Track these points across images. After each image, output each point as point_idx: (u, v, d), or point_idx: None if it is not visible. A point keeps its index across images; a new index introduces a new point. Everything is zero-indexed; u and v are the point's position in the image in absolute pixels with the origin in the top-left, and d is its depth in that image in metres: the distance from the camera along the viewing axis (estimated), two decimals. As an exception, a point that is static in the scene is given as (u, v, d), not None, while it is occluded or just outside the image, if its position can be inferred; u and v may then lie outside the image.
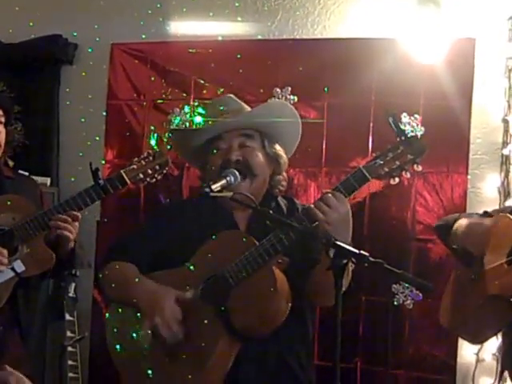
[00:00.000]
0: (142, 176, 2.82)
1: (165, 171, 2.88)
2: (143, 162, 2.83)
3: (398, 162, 2.38)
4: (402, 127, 2.41)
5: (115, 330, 2.63)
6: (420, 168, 2.42)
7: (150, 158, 2.84)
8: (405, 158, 2.37)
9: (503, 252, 2.76)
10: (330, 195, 2.37)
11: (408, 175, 2.42)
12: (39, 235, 2.84)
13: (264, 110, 2.82)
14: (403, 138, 2.39)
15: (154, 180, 2.86)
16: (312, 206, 2.41)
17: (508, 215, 2.87)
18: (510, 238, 2.76)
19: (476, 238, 2.82)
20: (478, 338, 3.02)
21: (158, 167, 2.84)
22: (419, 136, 3.70)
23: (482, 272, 2.80)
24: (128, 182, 2.80)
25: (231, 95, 2.88)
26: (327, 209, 2.36)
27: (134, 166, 2.82)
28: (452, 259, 3.09)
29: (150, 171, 2.83)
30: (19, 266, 2.81)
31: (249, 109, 2.83)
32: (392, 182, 2.42)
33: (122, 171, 2.81)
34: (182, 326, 2.47)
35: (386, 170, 2.38)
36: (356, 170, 2.40)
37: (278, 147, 2.78)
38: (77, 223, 2.85)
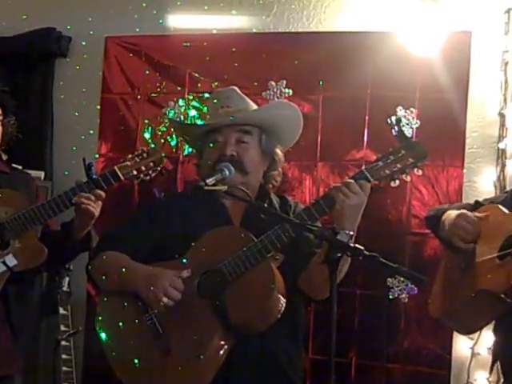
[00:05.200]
0: (135, 173, 2.84)
1: (159, 168, 2.88)
2: (137, 159, 2.85)
3: (399, 165, 2.41)
4: (404, 130, 2.44)
5: (100, 318, 2.64)
6: (420, 172, 2.45)
7: (144, 155, 2.86)
8: (406, 162, 2.40)
9: (495, 245, 2.76)
10: (354, 182, 2.40)
11: (408, 178, 2.45)
12: (32, 230, 2.83)
13: (267, 110, 2.84)
14: (405, 141, 2.41)
15: (148, 177, 2.87)
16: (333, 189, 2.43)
17: (499, 206, 2.87)
18: (502, 231, 2.76)
19: (461, 235, 2.82)
20: (469, 329, 3.02)
21: (152, 164, 2.85)
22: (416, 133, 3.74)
23: (473, 264, 2.79)
24: (121, 177, 2.81)
25: (234, 87, 2.88)
26: (350, 193, 2.39)
27: (128, 163, 2.83)
28: (444, 251, 3.08)
29: (143, 168, 2.84)
30: (11, 260, 2.79)
31: (251, 102, 2.84)
32: (392, 184, 2.44)
33: (115, 167, 2.82)
34: (179, 314, 2.49)
35: (387, 172, 2.41)
36: (358, 172, 2.43)
37: (275, 144, 2.79)
38: (100, 202, 2.84)
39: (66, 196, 2.81)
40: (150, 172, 2.86)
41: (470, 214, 2.80)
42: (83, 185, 2.80)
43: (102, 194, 2.83)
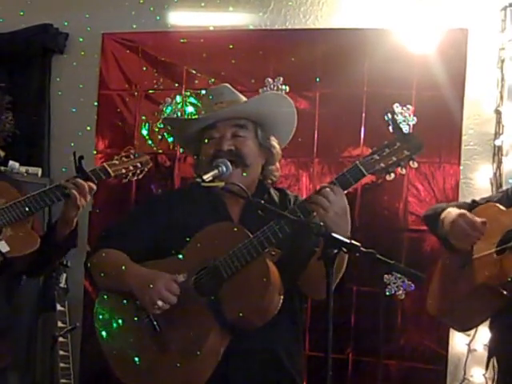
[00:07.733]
0: (124, 171, 2.93)
1: (146, 170, 2.99)
2: (125, 159, 2.95)
3: (394, 158, 2.37)
4: (400, 124, 2.41)
5: (100, 316, 2.64)
6: (416, 165, 2.41)
7: (131, 157, 2.96)
8: (401, 154, 2.36)
9: (493, 241, 2.78)
10: (328, 190, 2.35)
11: (404, 171, 2.42)
12: (23, 220, 2.84)
13: (260, 101, 2.82)
14: (400, 134, 2.39)
15: (135, 178, 2.97)
16: (311, 197, 2.39)
17: (496, 204, 2.89)
18: (499, 228, 2.78)
19: (460, 236, 2.83)
20: (466, 326, 3.04)
21: (139, 165, 2.96)
22: (413, 130, 3.75)
23: (471, 260, 2.81)
24: (111, 173, 2.88)
25: (227, 84, 2.87)
26: (327, 204, 2.33)
27: (116, 162, 2.93)
28: (442, 248, 3.09)
29: (131, 167, 2.94)
30: (3, 247, 2.81)
31: (244, 99, 2.83)
32: (388, 177, 2.41)
33: (105, 164, 2.90)
34: (176, 311, 2.47)
35: (382, 165, 2.37)
36: (352, 166, 2.39)
37: (271, 137, 2.77)
38: (88, 197, 2.87)
39: (56, 188, 2.84)
40: (138, 172, 2.96)
41: (469, 215, 2.78)
42: (74, 178, 2.84)
43: (94, 186, 2.87)
